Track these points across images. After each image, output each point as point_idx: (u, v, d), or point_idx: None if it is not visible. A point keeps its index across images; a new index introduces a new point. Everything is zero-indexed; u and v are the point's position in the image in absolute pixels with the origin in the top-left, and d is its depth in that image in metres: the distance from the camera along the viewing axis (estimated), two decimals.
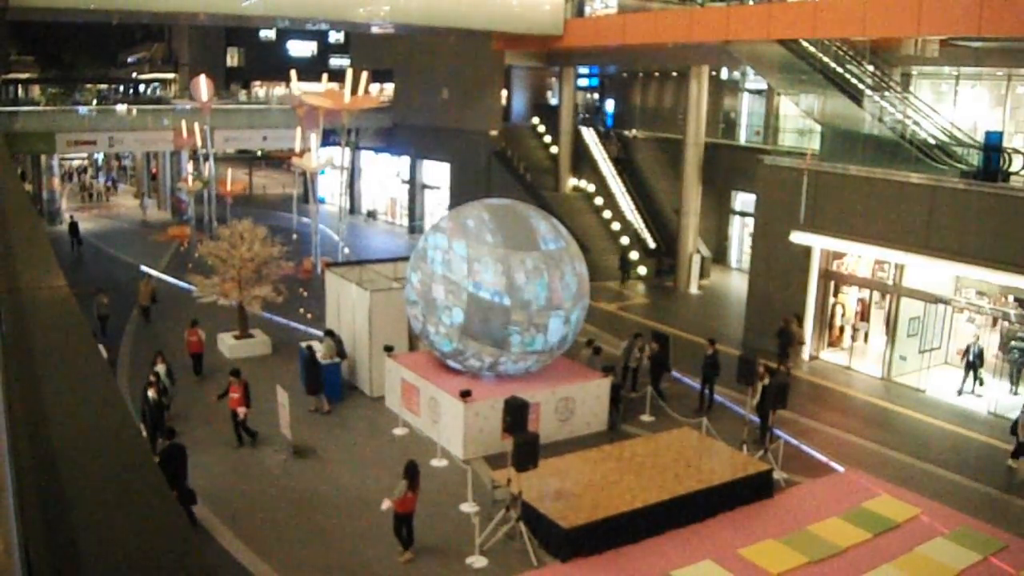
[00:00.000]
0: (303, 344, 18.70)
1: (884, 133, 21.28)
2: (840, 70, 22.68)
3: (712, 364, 18.03)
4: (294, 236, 31.64)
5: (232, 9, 25.83)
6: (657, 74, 34.99)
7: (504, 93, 37.05)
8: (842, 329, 22.37)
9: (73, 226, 34.39)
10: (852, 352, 21.70)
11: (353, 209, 42.69)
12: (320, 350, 18.13)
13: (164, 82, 75.82)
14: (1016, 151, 19.32)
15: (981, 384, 19.12)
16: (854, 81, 22.45)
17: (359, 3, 26.84)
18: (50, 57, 78.80)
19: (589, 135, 35.13)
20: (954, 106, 23.35)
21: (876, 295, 21.87)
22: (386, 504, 11.96)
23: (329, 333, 18.70)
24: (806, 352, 21.63)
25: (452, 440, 15.55)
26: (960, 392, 19.13)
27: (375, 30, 33.57)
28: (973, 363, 19.10)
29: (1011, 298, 19.39)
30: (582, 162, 34.93)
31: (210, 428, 16.31)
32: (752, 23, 24.21)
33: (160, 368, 16.39)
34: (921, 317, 20.45)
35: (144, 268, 30.30)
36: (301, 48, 68.94)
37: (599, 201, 33.80)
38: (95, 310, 21.88)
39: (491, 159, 34.18)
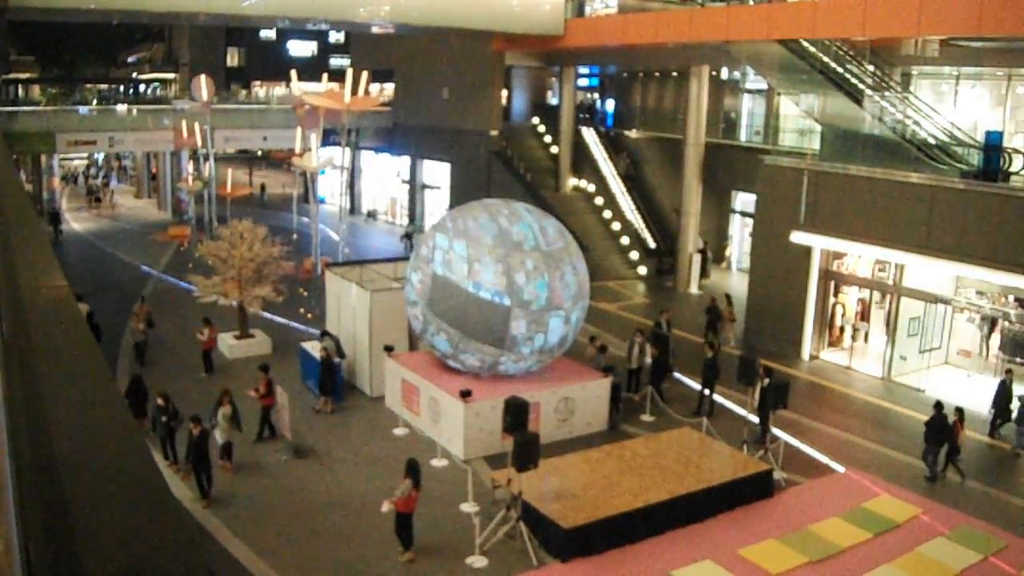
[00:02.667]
0: (307, 345, 18.67)
1: (884, 133, 21.27)
2: (840, 70, 22.68)
3: (712, 367, 18.03)
4: (294, 236, 31.64)
5: (232, 9, 25.83)
6: (657, 74, 34.99)
7: (504, 93, 37.04)
8: (842, 329, 22.38)
9: (55, 216, 36.42)
10: (852, 352, 21.70)
11: (353, 209, 42.70)
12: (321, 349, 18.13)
13: (164, 82, 75.84)
14: (1016, 151, 19.32)
15: (1009, 421, 16.79)
16: (854, 81, 22.45)
17: (359, 3, 26.83)
18: (50, 57, 78.83)
19: (589, 135, 35.14)
20: (954, 106, 23.35)
21: (876, 295, 21.88)
22: (386, 506, 11.95)
23: (325, 333, 18.70)
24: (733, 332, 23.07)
25: (452, 440, 15.55)
26: (995, 434, 16.89)
27: (375, 30, 33.58)
28: (1006, 402, 16.85)
29: (1011, 298, 19.40)
30: (582, 162, 34.94)
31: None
32: (752, 23, 24.20)
33: (225, 411, 14.50)
34: (921, 317, 20.45)
35: (145, 268, 30.30)
36: (301, 48, 69.01)
37: (599, 201, 33.81)
38: (130, 337, 20.02)
39: (491, 159, 34.17)
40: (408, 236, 34.35)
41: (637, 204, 32.91)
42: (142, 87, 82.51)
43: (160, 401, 14.71)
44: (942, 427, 14.99)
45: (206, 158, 34.17)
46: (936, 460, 15.10)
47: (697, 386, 18.52)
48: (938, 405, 15.31)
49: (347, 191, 39.14)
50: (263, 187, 50.27)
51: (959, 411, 15.40)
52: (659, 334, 19.53)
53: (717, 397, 18.28)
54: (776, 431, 16.08)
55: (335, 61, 62.69)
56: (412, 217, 39.17)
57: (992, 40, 20.43)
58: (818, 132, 24.09)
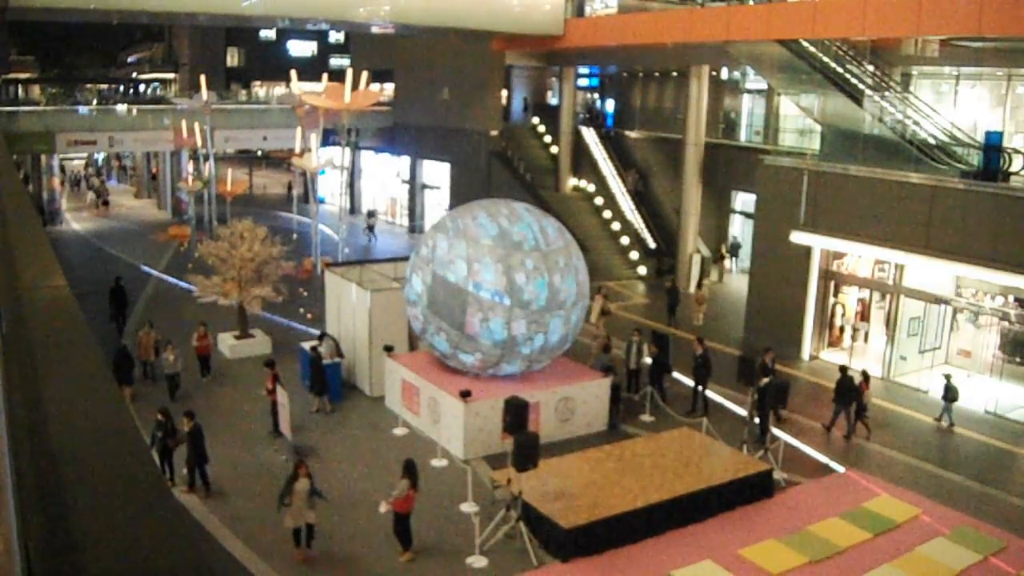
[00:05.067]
0: (307, 345, 18.66)
1: (884, 133, 21.28)
2: (840, 70, 22.68)
3: (704, 364, 18.00)
4: (294, 236, 31.63)
5: (232, 9, 25.83)
6: (657, 74, 34.98)
7: (504, 93, 37.03)
8: (842, 329, 22.37)
9: (41, 209, 37.10)
10: (852, 352, 21.69)
11: (353, 209, 42.70)
12: (322, 350, 18.12)
13: (164, 82, 75.85)
14: (1016, 151, 19.32)
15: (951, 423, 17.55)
16: (854, 81, 22.45)
17: (359, 3, 26.83)
18: (50, 57, 78.83)
19: (589, 135, 35.13)
20: (954, 106, 23.34)
21: (876, 295, 21.87)
22: (384, 507, 11.95)
23: (324, 335, 18.68)
24: (700, 314, 24.26)
25: (452, 440, 15.55)
26: (946, 423, 17.61)
27: (375, 30, 33.55)
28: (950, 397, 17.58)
29: (1011, 298, 19.38)
30: (582, 162, 34.93)
31: (209, 429, 16.30)
32: (752, 23, 24.21)
33: (302, 486, 11.94)
34: (921, 317, 20.45)
35: (145, 268, 30.26)
36: (301, 48, 68.96)
37: (599, 201, 33.81)
38: (160, 367, 18.20)
39: (491, 159, 34.17)
40: (370, 228, 36.42)
41: (637, 204, 32.91)
42: (142, 87, 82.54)
43: (160, 416, 14.06)
44: (849, 388, 16.82)
45: (206, 158, 34.16)
46: (839, 415, 16.95)
47: (693, 385, 18.52)
48: (843, 369, 17.33)
49: (347, 191, 39.14)
50: (290, 185, 49.52)
51: (864, 373, 17.43)
52: (659, 333, 19.51)
53: (718, 397, 18.28)
54: (776, 431, 16.08)
55: (335, 61, 62.65)
56: (372, 212, 39.28)
57: (992, 40, 20.43)
58: (818, 132, 24.09)
